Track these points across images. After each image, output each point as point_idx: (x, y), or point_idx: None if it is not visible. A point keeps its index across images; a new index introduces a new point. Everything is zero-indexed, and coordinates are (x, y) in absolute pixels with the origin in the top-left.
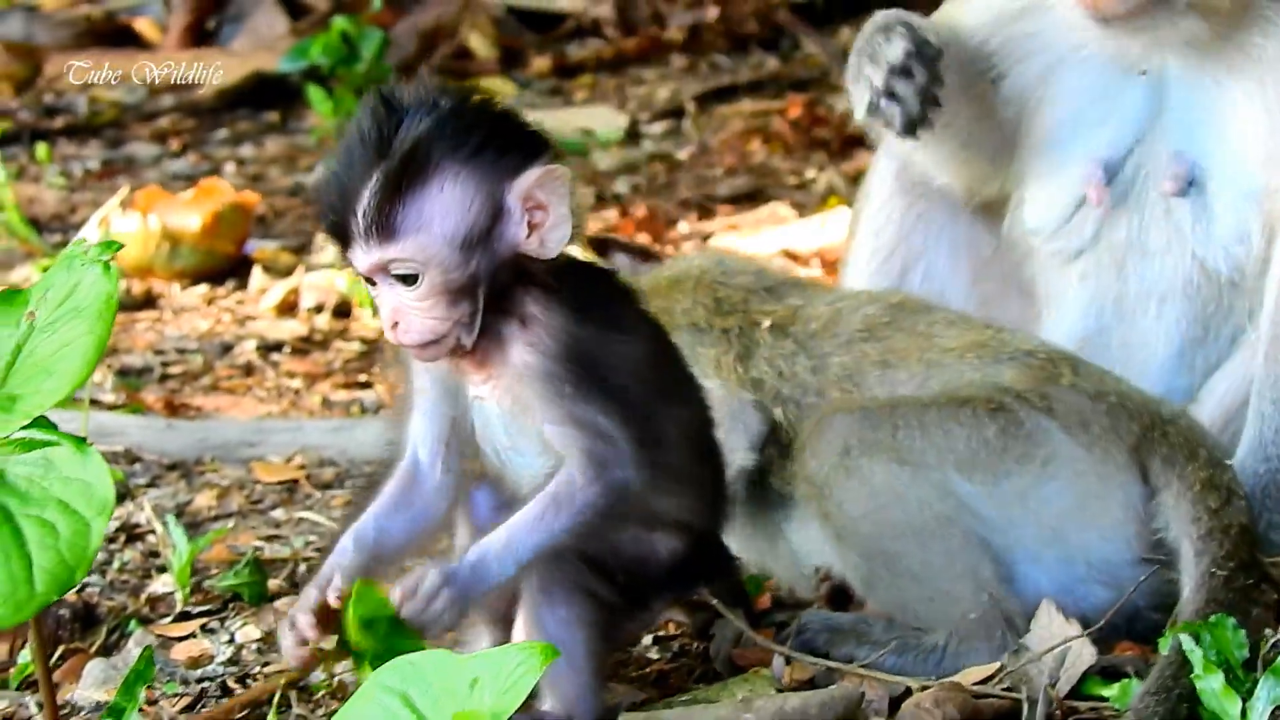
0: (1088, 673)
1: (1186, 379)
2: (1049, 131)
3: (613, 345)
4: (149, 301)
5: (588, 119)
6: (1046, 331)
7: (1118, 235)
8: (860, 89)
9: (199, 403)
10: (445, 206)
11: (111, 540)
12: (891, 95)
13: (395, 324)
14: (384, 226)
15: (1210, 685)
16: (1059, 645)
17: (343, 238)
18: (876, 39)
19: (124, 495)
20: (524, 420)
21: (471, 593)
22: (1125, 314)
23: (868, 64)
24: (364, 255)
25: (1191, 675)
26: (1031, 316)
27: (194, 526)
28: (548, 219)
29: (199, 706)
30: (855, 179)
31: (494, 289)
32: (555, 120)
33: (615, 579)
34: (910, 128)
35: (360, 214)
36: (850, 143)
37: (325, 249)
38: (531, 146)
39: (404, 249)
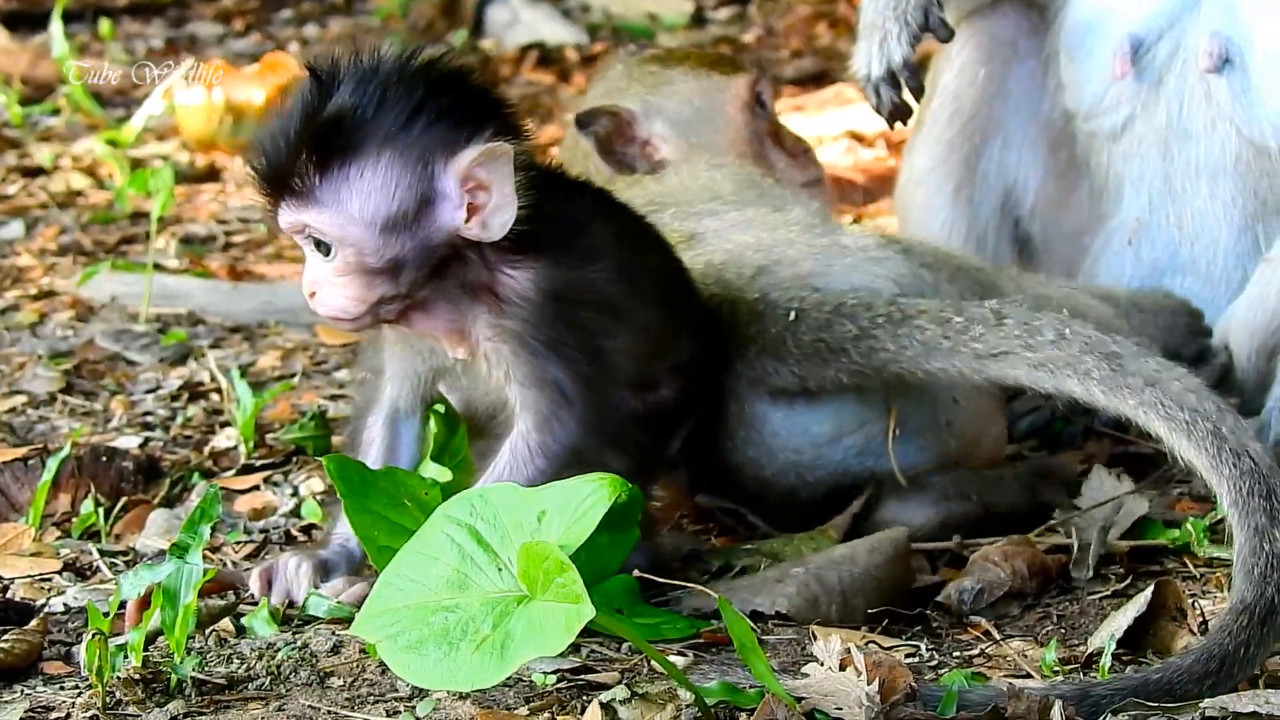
0: (1148, 521)
1: (1257, 256)
2: (1084, 12)
3: (586, 296)
4: (212, 174)
5: (653, 4)
6: (1107, 210)
7: (1157, 115)
8: (860, 59)
9: (262, 270)
10: (366, 188)
11: (175, 398)
12: (878, 91)
13: (313, 293)
14: (304, 191)
15: None
16: (1109, 501)
17: (270, 195)
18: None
19: (187, 355)
20: (500, 378)
21: None
22: (1175, 193)
23: (875, 40)
24: (285, 213)
25: None
26: (1097, 194)
27: (257, 386)
28: (490, 200)
29: (262, 554)
30: (922, 64)
31: (434, 267)
32: (621, 5)
33: (636, 432)
34: (890, 123)
35: (286, 174)
36: None
37: None
38: (475, 117)
39: (319, 218)
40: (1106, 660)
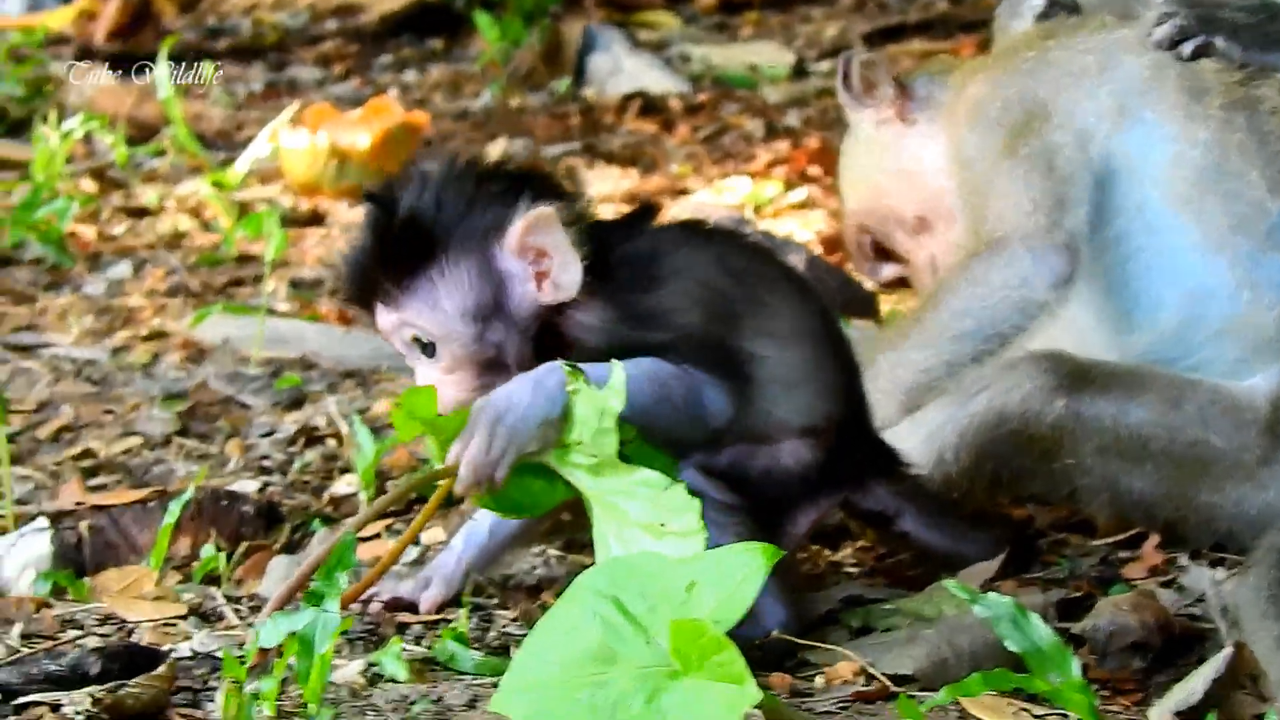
0: None
1: None
2: None
3: (659, 312)
4: (316, 218)
5: (754, 55)
6: None
7: None
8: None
9: None
10: (449, 285)
11: (291, 443)
12: None
13: None
14: (397, 296)
15: None
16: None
17: (366, 305)
18: None
19: (301, 399)
20: None
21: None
22: None
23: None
24: (384, 316)
25: None
26: None
27: (373, 432)
28: (553, 264)
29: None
30: None
31: (531, 339)
32: (721, 56)
33: (746, 493)
34: None
35: (375, 284)
36: None
37: None
38: (515, 194)
39: (419, 318)
40: None
